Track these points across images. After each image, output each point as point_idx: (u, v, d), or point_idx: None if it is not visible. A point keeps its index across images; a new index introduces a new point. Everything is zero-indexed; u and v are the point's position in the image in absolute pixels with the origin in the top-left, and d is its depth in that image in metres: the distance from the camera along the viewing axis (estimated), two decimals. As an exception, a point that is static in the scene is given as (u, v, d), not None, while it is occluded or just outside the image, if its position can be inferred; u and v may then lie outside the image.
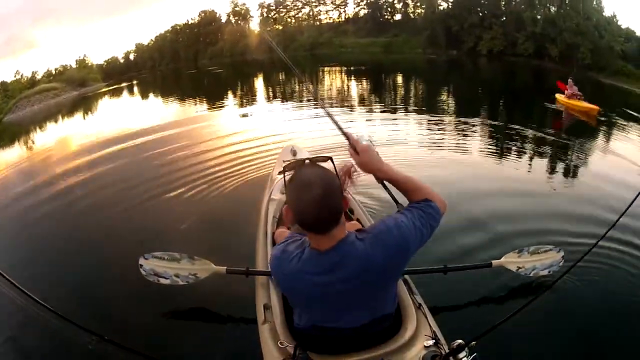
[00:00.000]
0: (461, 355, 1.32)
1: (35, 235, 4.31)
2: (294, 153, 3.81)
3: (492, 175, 5.49)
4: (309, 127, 8.07)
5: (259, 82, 22.90)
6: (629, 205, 2.25)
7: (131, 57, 38.81)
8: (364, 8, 35.39)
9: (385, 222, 1.33)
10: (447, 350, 1.37)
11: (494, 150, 6.74)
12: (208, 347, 2.45)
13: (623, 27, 22.15)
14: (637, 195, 2.25)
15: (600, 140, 7.99)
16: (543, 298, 1.73)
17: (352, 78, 20.88)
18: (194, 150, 6.91)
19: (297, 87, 16.90)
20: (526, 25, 25.32)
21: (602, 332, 2.41)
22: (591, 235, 2.96)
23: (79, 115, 17.28)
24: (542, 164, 6.10)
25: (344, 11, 36.52)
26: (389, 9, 34.47)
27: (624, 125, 9.01)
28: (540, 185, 4.97)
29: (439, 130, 8.23)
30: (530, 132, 7.73)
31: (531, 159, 6.30)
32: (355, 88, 17.77)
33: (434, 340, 1.51)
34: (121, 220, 4.35)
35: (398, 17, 32.95)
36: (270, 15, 38.35)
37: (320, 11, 37.12)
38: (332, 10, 36.76)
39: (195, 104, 14.58)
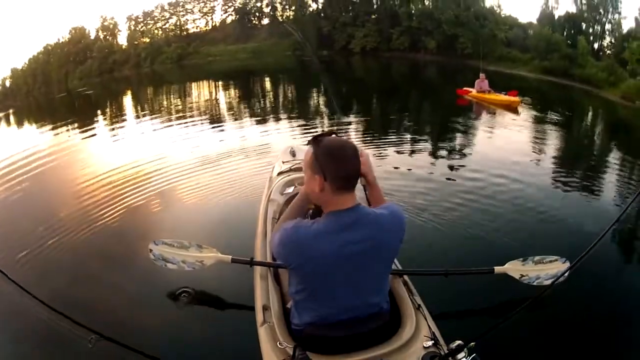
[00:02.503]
0: (460, 355, 1.35)
1: (33, 233, 4.21)
2: (294, 154, 3.74)
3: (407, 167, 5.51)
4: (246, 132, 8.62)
5: (127, 100, 20.74)
6: (627, 207, 2.43)
7: (7, 83, 33.91)
8: (231, 14, 34.42)
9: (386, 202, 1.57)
10: (446, 351, 1.40)
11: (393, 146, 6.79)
12: (207, 347, 2.46)
13: (507, 15, 23.53)
14: (636, 196, 2.32)
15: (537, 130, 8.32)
16: (542, 299, 1.74)
17: (222, 88, 20.20)
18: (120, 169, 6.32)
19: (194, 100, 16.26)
20: (401, 20, 25.60)
21: (602, 333, 2.40)
22: (591, 235, 2.66)
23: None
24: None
25: (212, 19, 35.05)
26: (257, 14, 33.99)
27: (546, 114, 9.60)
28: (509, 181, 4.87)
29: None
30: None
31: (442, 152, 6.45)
32: (224, 99, 17.08)
33: (433, 341, 1.52)
34: (120, 222, 4.39)
35: (266, 21, 32.53)
36: (138, 28, 35.57)
37: (188, 20, 35.05)
38: (200, 19, 34.99)
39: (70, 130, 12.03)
